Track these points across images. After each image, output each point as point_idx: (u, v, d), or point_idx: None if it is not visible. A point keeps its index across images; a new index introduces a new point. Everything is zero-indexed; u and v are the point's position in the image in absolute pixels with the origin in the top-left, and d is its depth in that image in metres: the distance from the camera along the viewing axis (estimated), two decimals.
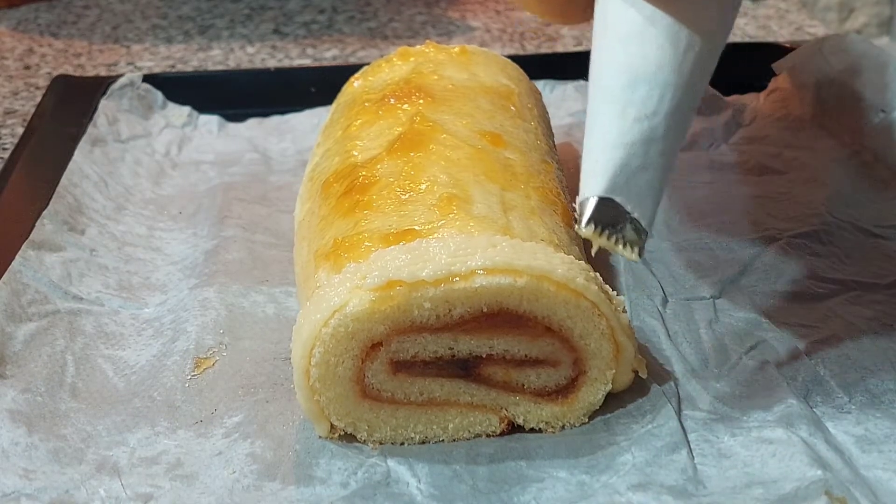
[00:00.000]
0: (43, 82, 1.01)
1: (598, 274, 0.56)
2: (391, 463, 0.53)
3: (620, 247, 0.51)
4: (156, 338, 0.63)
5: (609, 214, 0.51)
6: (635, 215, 0.51)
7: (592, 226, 0.51)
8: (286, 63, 1.06)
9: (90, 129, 0.83)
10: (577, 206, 0.51)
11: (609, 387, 0.56)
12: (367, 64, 0.79)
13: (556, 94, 0.92)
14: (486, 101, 0.68)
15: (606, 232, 0.51)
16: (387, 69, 0.75)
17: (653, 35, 0.51)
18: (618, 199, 0.50)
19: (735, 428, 0.54)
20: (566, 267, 0.53)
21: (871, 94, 0.84)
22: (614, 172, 0.50)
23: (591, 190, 0.51)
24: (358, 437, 0.55)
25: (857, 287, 0.66)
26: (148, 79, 0.92)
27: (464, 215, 0.55)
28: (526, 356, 0.55)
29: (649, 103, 0.51)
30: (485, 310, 0.53)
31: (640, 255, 0.51)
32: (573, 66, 0.96)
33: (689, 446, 0.53)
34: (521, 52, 1.07)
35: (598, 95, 0.52)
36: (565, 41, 1.11)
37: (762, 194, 0.78)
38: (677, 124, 0.51)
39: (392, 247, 0.53)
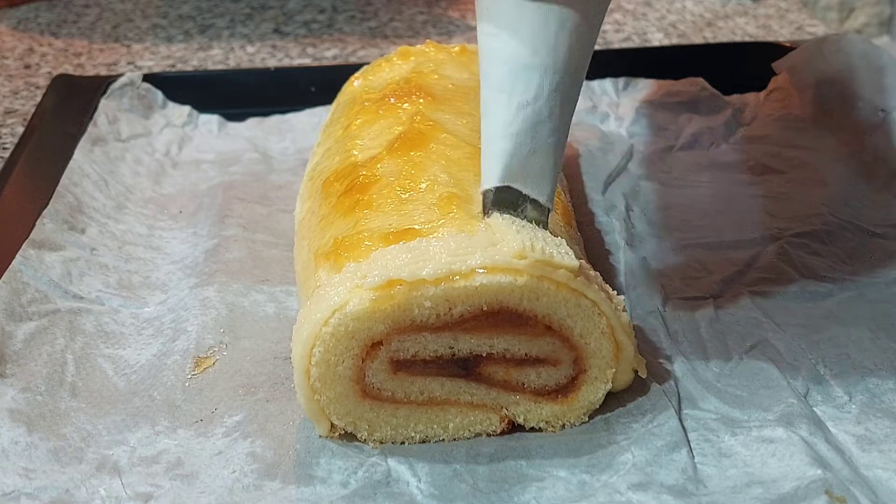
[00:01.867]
0: (43, 82, 1.01)
1: (598, 273, 0.56)
2: (391, 462, 0.53)
3: (556, 248, 0.53)
4: (156, 337, 0.63)
5: (508, 200, 0.54)
6: (533, 196, 0.54)
7: (496, 214, 0.54)
8: (286, 62, 1.06)
9: (90, 129, 0.83)
10: (481, 197, 0.54)
11: (609, 386, 0.56)
12: (368, 63, 0.79)
13: None
14: None
15: (513, 217, 0.53)
16: (387, 68, 0.75)
17: (524, 21, 0.52)
18: (514, 186, 0.53)
19: (735, 427, 0.54)
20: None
21: (872, 93, 0.84)
22: (507, 162, 0.53)
23: (488, 181, 0.54)
24: (358, 436, 0.55)
25: (857, 286, 0.66)
26: (148, 78, 0.92)
27: (464, 214, 0.55)
28: (526, 355, 0.55)
29: (530, 89, 0.52)
30: (485, 309, 0.53)
31: (546, 227, 0.54)
32: None
33: (690, 445, 0.53)
34: None
35: (485, 87, 0.54)
36: None
37: (762, 194, 0.78)
38: (562, 104, 0.53)
39: (392, 246, 0.53)
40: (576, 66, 0.53)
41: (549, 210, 0.55)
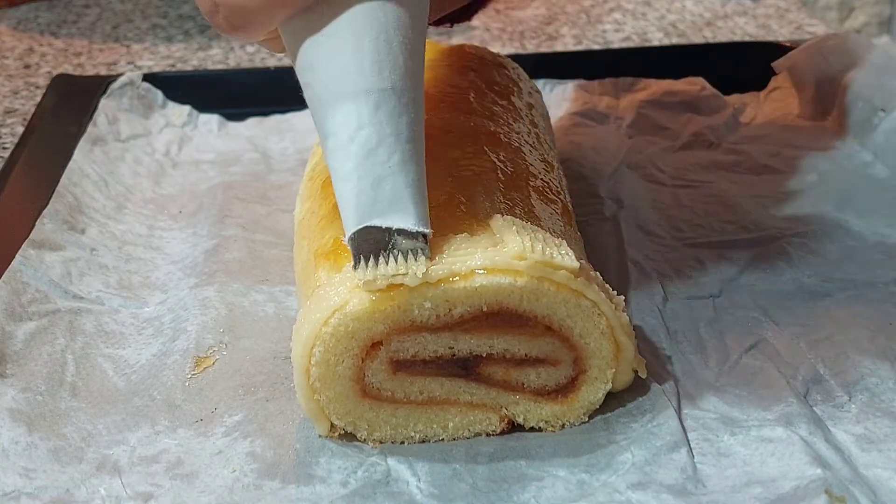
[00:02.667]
0: (43, 81, 1.01)
1: (598, 273, 0.56)
2: (391, 462, 0.53)
3: (404, 262, 0.50)
4: (156, 337, 0.63)
5: (373, 240, 0.50)
6: (398, 226, 0.50)
7: (363, 263, 0.50)
8: (286, 62, 1.06)
9: (90, 129, 0.83)
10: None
11: (609, 386, 0.56)
12: None
13: (556, 94, 0.92)
14: (486, 101, 0.68)
15: (381, 259, 0.50)
16: None
17: (319, 55, 0.49)
18: (372, 224, 0.50)
19: (735, 427, 0.54)
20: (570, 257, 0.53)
21: (871, 93, 0.84)
22: (354, 202, 0.50)
23: (346, 229, 0.50)
24: (358, 436, 0.55)
25: (856, 286, 0.66)
26: (148, 78, 0.92)
27: (463, 214, 0.55)
28: (526, 355, 0.55)
29: (349, 121, 0.49)
30: (485, 309, 0.53)
31: (426, 256, 0.50)
32: (573, 66, 0.96)
33: (689, 445, 0.53)
34: (521, 52, 1.07)
35: (318, 133, 0.51)
36: (565, 40, 1.11)
37: (762, 193, 0.78)
38: (394, 118, 0.49)
39: None
40: (393, 78, 0.49)
41: (423, 234, 0.50)
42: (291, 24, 0.50)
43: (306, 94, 0.51)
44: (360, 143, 0.49)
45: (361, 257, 0.50)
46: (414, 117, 0.50)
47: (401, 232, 0.50)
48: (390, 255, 0.50)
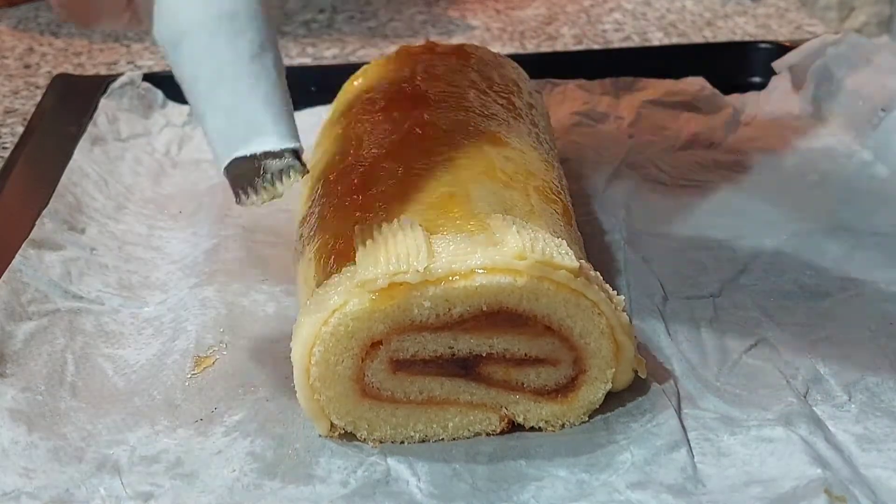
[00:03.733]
0: (43, 81, 1.01)
1: (598, 273, 0.56)
2: (391, 461, 0.53)
3: (279, 182, 0.49)
4: (156, 336, 0.63)
5: (243, 173, 0.49)
6: (265, 149, 0.48)
7: (242, 195, 0.49)
8: (286, 62, 1.06)
9: (90, 128, 0.83)
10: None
11: (609, 386, 0.56)
12: (367, 63, 0.79)
13: (557, 94, 0.92)
14: (486, 101, 0.69)
15: (258, 184, 0.49)
16: (387, 68, 0.74)
17: (157, 6, 0.49)
18: (238, 155, 0.48)
19: (735, 426, 0.54)
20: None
21: (871, 92, 0.84)
22: (215, 141, 0.49)
23: (218, 168, 0.49)
24: (358, 435, 0.55)
25: (856, 286, 0.66)
26: (148, 77, 0.92)
27: (464, 214, 0.55)
28: (526, 355, 0.55)
29: (191, 58, 0.48)
30: (485, 309, 0.53)
31: (302, 165, 0.49)
32: (573, 65, 0.96)
33: (689, 445, 0.53)
34: (522, 51, 1.07)
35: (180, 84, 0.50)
36: (565, 40, 1.11)
37: (761, 193, 0.78)
38: (228, 46, 0.48)
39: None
40: (222, 4, 0.48)
41: (291, 149, 0.49)
42: None
43: (162, 50, 0.50)
44: (204, 79, 0.48)
45: (239, 191, 0.49)
46: (256, 34, 0.49)
47: (267, 154, 0.49)
48: (263, 180, 0.49)
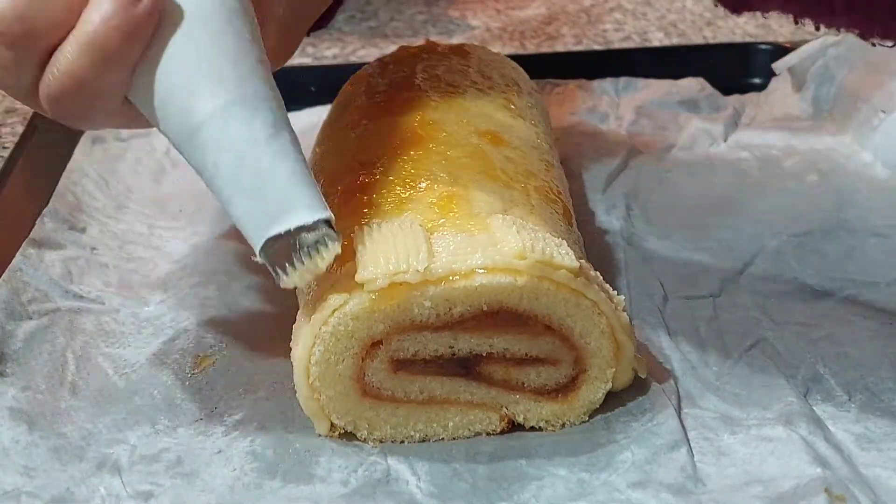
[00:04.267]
0: None
1: (598, 273, 0.56)
2: (391, 461, 0.53)
3: (318, 258, 0.49)
4: (156, 336, 0.63)
5: (279, 251, 0.49)
6: (294, 226, 0.48)
7: (282, 273, 0.49)
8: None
9: None
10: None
11: (609, 385, 0.56)
12: (367, 63, 0.79)
13: (557, 94, 0.92)
14: (486, 100, 0.69)
15: (295, 261, 0.49)
16: (387, 68, 0.75)
17: (161, 103, 0.49)
18: (271, 235, 0.48)
19: (735, 426, 0.54)
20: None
21: (871, 93, 0.84)
22: (247, 225, 0.49)
23: (255, 251, 0.49)
24: (358, 435, 0.55)
25: (856, 286, 0.66)
26: None
27: (464, 214, 0.55)
28: (526, 355, 0.55)
29: (208, 150, 0.48)
30: (485, 308, 0.53)
31: (334, 239, 0.49)
32: (573, 66, 0.96)
33: (689, 444, 0.53)
34: (522, 51, 1.07)
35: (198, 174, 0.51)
36: (566, 40, 1.11)
37: (761, 193, 0.78)
38: (243, 130, 0.48)
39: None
40: (229, 92, 0.48)
41: (322, 220, 0.48)
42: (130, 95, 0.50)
43: (172, 142, 0.50)
44: (224, 166, 0.48)
45: (278, 269, 0.49)
46: (269, 114, 0.49)
47: (300, 229, 0.48)
48: (301, 254, 0.49)
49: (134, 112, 0.51)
